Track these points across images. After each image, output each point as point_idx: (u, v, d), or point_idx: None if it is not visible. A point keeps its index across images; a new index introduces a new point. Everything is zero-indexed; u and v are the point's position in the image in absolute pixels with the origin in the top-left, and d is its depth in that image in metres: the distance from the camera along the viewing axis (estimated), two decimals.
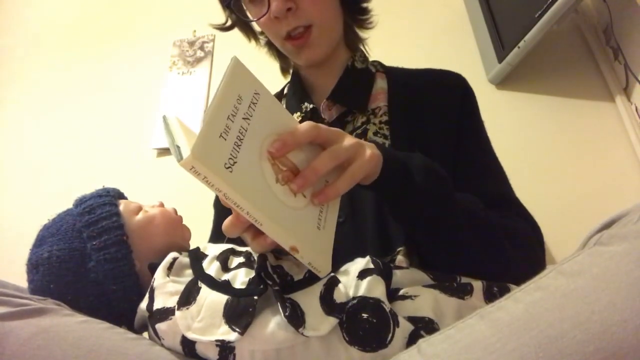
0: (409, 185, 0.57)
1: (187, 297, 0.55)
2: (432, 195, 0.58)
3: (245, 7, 0.81)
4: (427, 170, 0.58)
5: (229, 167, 0.44)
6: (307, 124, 0.51)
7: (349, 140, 0.53)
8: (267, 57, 0.95)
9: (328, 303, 0.51)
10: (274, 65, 0.96)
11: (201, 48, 1.84)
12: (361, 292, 0.53)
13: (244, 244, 0.61)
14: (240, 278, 0.55)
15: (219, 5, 0.85)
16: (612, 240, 0.42)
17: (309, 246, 0.49)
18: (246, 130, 0.47)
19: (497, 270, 0.61)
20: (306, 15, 0.74)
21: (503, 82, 1.38)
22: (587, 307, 0.38)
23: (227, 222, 0.51)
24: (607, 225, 0.46)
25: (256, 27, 0.89)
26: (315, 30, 0.76)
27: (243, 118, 0.47)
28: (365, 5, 0.87)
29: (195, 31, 1.88)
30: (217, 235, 0.87)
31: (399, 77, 0.86)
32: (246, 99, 0.48)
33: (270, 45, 0.91)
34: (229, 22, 0.88)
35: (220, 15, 0.88)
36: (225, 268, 0.58)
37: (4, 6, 2.25)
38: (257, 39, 0.91)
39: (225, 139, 0.44)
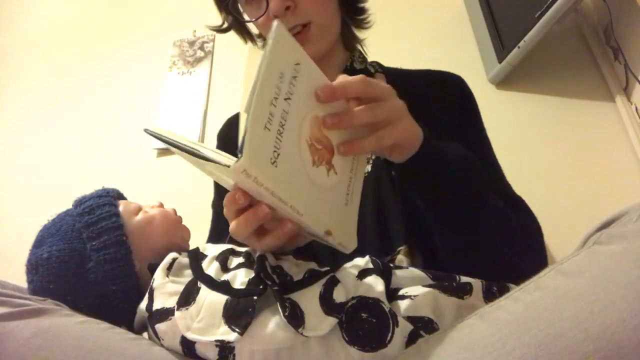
0: (445, 173, 0.57)
1: (187, 298, 0.55)
2: (467, 185, 0.58)
3: (242, 9, 0.81)
4: (464, 158, 0.58)
5: (274, 162, 0.42)
6: (359, 77, 0.50)
7: (394, 102, 0.52)
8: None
9: (327, 303, 0.51)
10: None
11: (201, 48, 1.84)
12: (360, 292, 0.53)
13: (243, 245, 0.61)
14: (240, 278, 0.55)
15: (216, 9, 0.85)
16: (611, 240, 0.42)
17: (340, 226, 0.50)
18: (287, 113, 0.44)
19: (505, 267, 0.61)
20: (305, 14, 0.74)
21: (503, 82, 1.38)
22: (587, 306, 0.38)
23: (236, 226, 0.50)
24: (606, 225, 0.46)
25: (253, 29, 0.88)
26: (314, 27, 0.76)
27: (285, 99, 0.44)
28: (362, 5, 0.87)
29: (195, 31, 1.88)
30: (215, 236, 0.87)
31: (398, 79, 0.86)
32: (288, 74, 0.45)
33: None
34: (226, 24, 0.88)
35: (219, 16, 0.88)
36: (225, 268, 0.58)
37: (3, 6, 2.25)
38: (253, 41, 0.91)
39: (269, 130, 0.42)
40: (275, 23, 0.45)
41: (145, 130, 0.52)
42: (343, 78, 0.51)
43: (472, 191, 0.58)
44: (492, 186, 0.65)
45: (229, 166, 0.41)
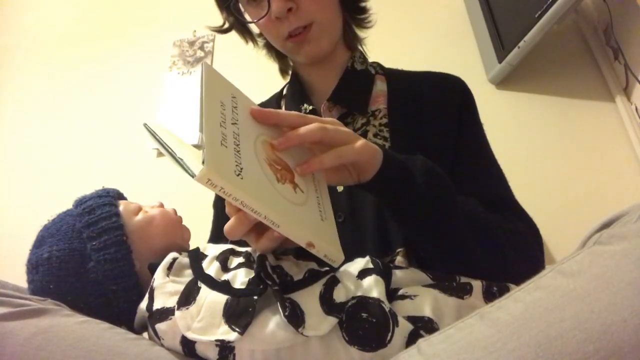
0: (410, 187, 0.57)
1: (187, 297, 0.55)
2: (433, 198, 0.58)
3: (243, 9, 0.81)
4: (428, 172, 0.58)
5: (239, 174, 0.44)
6: (314, 125, 0.51)
7: (348, 131, 0.54)
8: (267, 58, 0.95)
9: (328, 303, 0.51)
10: (274, 66, 0.96)
11: (201, 48, 1.84)
12: (361, 291, 0.53)
13: (243, 245, 0.61)
14: (240, 278, 0.55)
15: (217, 9, 0.84)
16: (611, 240, 0.42)
17: (322, 239, 0.50)
18: (239, 135, 0.47)
19: (497, 272, 0.61)
20: (307, 15, 0.74)
21: (503, 82, 1.38)
22: (587, 306, 0.38)
23: (230, 225, 0.51)
24: (607, 225, 0.46)
25: (254, 29, 0.88)
26: (316, 27, 0.76)
27: (232, 123, 0.47)
28: (363, 4, 0.87)
29: (195, 31, 1.88)
30: (217, 236, 0.87)
31: (399, 80, 0.86)
32: (227, 103, 0.48)
33: (269, 47, 0.91)
34: (227, 25, 0.88)
35: (219, 16, 0.88)
36: (225, 268, 0.58)
37: (3, 7, 2.25)
38: (254, 41, 0.91)
39: (226, 147, 0.44)
40: (202, 65, 0.49)
41: (145, 125, 0.52)
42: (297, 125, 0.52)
43: (440, 201, 0.58)
44: (463, 192, 0.65)
45: (194, 175, 0.42)
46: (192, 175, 0.42)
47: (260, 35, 0.89)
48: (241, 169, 0.44)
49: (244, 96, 0.52)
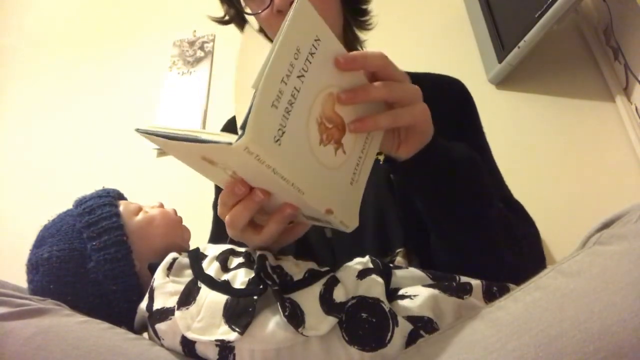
0: (450, 176, 0.56)
1: (187, 297, 0.55)
2: (471, 189, 0.57)
3: (244, 3, 0.80)
4: (472, 161, 0.58)
5: (278, 140, 0.41)
6: (379, 52, 0.49)
7: (410, 85, 0.51)
8: None
9: (327, 303, 0.51)
10: None
11: (201, 48, 1.84)
12: (360, 291, 0.53)
13: (243, 245, 0.61)
14: (240, 278, 0.55)
15: (218, 0, 0.84)
16: (611, 240, 0.42)
17: (343, 205, 0.49)
18: (298, 91, 0.43)
19: (501, 270, 0.61)
20: None
21: (503, 82, 1.38)
22: (587, 307, 0.38)
23: (234, 213, 0.49)
24: (607, 225, 0.46)
25: (254, 24, 0.88)
26: None
27: (298, 76, 0.43)
28: (365, 6, 0.87)
29: (195, 31, 1.88)
30: (217, 236, 0.87)
31: None
32: (305, 50, 0.44)
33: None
34: (227, 17, 0.87)
35: (219, 12, 0.88)
36: (225, 268, 0.58)
37: (4, 6, 2.25)
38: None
39: (277, 107, 0.41)
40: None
41: (137, 130, 0.50)
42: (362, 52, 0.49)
43: (477, 193, 0.58)
44: (496, 190, 0.64)
45: (230, 143, 0.39)
46: (227, 143, 0.39)
47: (261, 30, 0.88)
48: (282, 133, 0.42)
49: (331, 39, 0.47)
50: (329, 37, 0.46)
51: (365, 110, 0.50)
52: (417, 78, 0.87)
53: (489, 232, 0.60)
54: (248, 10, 0.79)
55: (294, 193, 0.45)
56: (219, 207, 0.51)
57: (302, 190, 0.45)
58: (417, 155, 0.55)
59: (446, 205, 0.58)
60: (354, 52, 0.48)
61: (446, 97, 0.83)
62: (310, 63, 0.44)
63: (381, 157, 0.73)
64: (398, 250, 0.66)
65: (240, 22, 0.88)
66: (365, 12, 0.87)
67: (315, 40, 0.45)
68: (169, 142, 0.46)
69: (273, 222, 0.51)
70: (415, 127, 0.53)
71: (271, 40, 0.82)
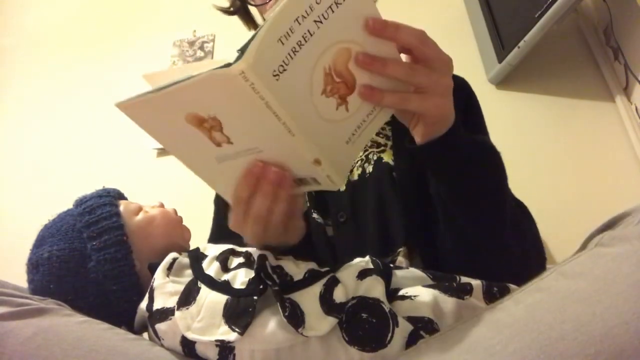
0: (469, 166, 0.55)
1: (187, 297, 0.55)
2: (489, 180, 0.56)
3: None
4: (492, 152, 0.57)
5: (277, 75, 0.40)
6: (420, 30, 0.47)
7: (443, 78, 0.49)
8: None
9: (327, 303, 0.51)
10: None
11: (201, 48, 1.84)
12: (361, 292, 0.53)
13: (244, 245, 0.61)
14: (240, 278, 0.55)
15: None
16: (613, 242, 0.42)
17: (332, 160, 0.47)
18: (312, 34, 0.42)
19: (506, 261, 0.61)
20: None
21: (503, 82, 1.38)
22: (589, 309, 0.38)
23: (240, 185, 0.48)
24: (608, 226, 0.46)
25: (258, 19, 0.88)
26: None
27: (315, 21, 0.42)
28: None
29: (195, 31, 1.88)
30: (218, 232, 0.87)
31: None
32: None
33: None
34: (232, 8, 0.86)
35: (220, 17, 0.88)
36: (225, 268, 0.58)
37: (3, 7, 2.25)
38: (256, 28, 0.90)
39: (283, 44, 0.40)
40: None
41: (118, 105, 0.49)
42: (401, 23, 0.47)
43: (495, 185, 0.57)
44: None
45: (229, 64, 0.38)
46: (225, 66, 0.39)
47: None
48: (283, 70, 0.41)
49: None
50: None
51: (383, 82, 0.48)
52: None
53: (501, 223, 0.59)
54: (253, 2, 0.78)
55: (283, 135, 0.44)
56: (232, 220, 0.51)
57: (292, 132, 0.43)
58: (431, 145, 0.53)
59: (463, 195, 0.56)
60: (389, 20, 0.46)
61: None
62: (333, 12, 0.43)
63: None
64: (399, 249, 0.66)
65: (244, 16, 0.87)
66: None
67: None
68: (152, 97, 0.45)
69: (260, 196, 0.49)
70: (425, 117, 0.51)
71: None
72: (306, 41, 0.42)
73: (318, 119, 0.46)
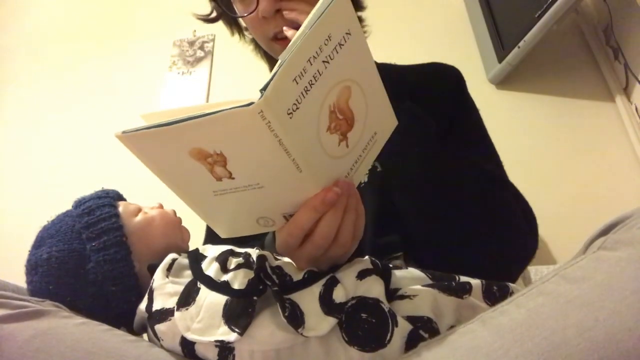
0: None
1: (186, 298, 0.54)
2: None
3: (232, 0, 0.79)
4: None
5: (291, 114, 0.42)
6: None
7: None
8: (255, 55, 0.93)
9: (327, 303, 0.51)
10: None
11: (201, 48, 1.84)
12: (360, 292, 0.53)
13: (242, 245, 0.61)
14: (240, 279, 0.55)
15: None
16: (616, 245, 0.42)
17: None
18: (321, 74, 0.45)
19: (483, 251, 0.62)
20: (294, 18, 0.73)
21: (503, 82, 1.38)
22: (592, 314, 0.38)
23: (326, 227, 0.50)
24: (609, 228, 0.46)
25: (242, 23, 0.87)
26: None
27: (323, 61, 0.45)
28: (359, 14, 0.86)
29: (195, 31, 1.88)
30: (211, 236, 0.86)
31: (392, 74, 0.85)
32: (335, 39, 0.46)
33: (256, 44, 0.89)
34: (214, 14, 0.86)
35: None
36: (225, 269, 0.57)
37: (3, 6, 2.25)
38: (242, 34, 0.89)
39: (297, 83, 0.43)
40: None
41: (122, 134, 0.50)
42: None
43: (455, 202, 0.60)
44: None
45: (249, 105, 0.40)
46: (245, 105, 0.40)
47: (247, 29, 0.87)
48: (296, 108, 0.43)
49: (362, 38, 0.49)
50: (360, 36, 0.48)
51: (375, 102, 0.52)
52: (410, 70, 0.87)
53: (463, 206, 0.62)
54: (237, 11, 0.78)
55: (290, 171, 0.45)
56: (282, 246, 0.52)
57: (300, 168, 0.45)
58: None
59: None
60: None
61: (439, 84, 0.82)
62: (337, 53, 0.46)
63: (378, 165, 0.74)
64: (398, 252, 0.66)
65: (228, 21, 0.87)
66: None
67: (347, 33, 0.47)
68: (162, 130, 0.46)
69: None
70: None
71: (256, 42, 0.84)
72: (316, 80, 0.44)
73: (324, 155, 0.48)
